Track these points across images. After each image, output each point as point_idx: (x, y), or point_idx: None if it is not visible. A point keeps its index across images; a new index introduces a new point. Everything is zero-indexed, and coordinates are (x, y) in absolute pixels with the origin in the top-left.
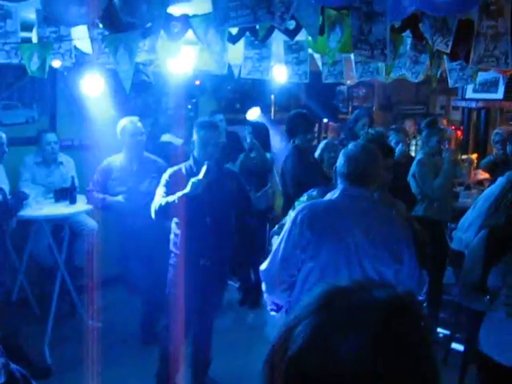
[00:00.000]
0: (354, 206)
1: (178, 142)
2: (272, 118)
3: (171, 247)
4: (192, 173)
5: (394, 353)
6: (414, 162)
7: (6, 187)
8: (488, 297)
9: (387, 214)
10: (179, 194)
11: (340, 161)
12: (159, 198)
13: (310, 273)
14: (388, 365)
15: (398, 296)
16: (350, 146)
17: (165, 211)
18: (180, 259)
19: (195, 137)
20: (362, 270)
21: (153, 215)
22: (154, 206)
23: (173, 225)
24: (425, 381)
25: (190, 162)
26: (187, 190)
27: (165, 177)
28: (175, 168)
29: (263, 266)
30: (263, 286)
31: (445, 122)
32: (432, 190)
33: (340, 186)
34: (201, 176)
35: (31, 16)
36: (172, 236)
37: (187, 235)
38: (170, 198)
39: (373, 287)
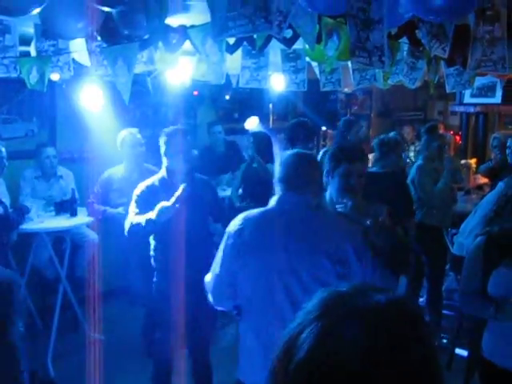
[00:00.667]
0: (289, 213)
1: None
2: (270, 126)
3: (152, 263)
4: (167, 184)
5: (395, 356)
6: (414, 168)
7: (7, 201)
8: (493, 306)
9: (328, 219)
10: (147, 216)
11: (277, 169)
12: (131, 216)
13: (244, 282)
14: (389, 368)
15: (398, 300)
16: (286, 153)
17: (136, 232)
18: (163, 274)
19: (165, 146)
20: (298, 277)
21: (126, 233)
22: (127, 224)
23: (151, 240)
24: (427, 383)
25: (163, 173)
26: (154, 214)
27: (136, 192)
28: (147, 182)
29: (207, 278)
30: (209, 297)
31: (442, 127)
32: (431, 197)
33: (277, 193)
34: (172, 200)
35: (29, 30)
36: (152, 252)
37: (167, 250)
38: (138, 219)
39: (373, 291)
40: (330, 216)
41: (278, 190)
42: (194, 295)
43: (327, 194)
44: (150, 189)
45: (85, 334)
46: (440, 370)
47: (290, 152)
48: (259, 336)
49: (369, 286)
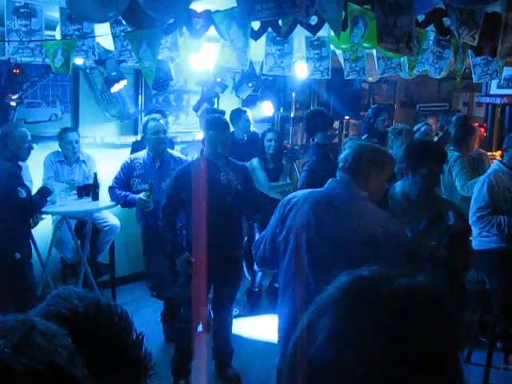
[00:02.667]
0: (333, 197)
1: None
2: (292, 115)
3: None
4: (200, 169)
5: (418, 342)
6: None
7: (31, 184)
8: None
9: (371, 212)
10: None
11: (342, 154)
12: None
13: (282, 251)
14: (412, 354)
15: (422, 284)
16: (354, 141)
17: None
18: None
19: (210, 133)
20: (327, 259)
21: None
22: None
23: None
24: (446, 369)
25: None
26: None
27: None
28: (182, 169)
29: (256, 240)
30: (254, 257)
31: None
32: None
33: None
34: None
35: (55, 15)
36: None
37: (197, 231)
38: None
39: (396, 276)
40: (375, 211)
41: (336, 174)
42: (218, 278)
43: (397, 186)
44: (185, 173)
45: None
46: (460, 356)
47: (358, 141)
48: (287, 314)
49: (391, 271)
